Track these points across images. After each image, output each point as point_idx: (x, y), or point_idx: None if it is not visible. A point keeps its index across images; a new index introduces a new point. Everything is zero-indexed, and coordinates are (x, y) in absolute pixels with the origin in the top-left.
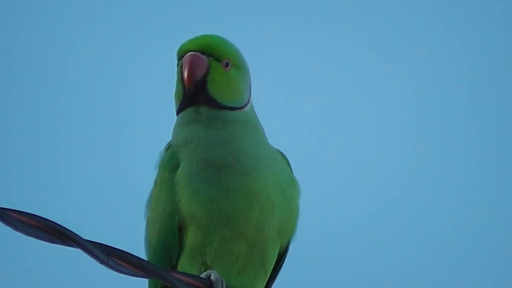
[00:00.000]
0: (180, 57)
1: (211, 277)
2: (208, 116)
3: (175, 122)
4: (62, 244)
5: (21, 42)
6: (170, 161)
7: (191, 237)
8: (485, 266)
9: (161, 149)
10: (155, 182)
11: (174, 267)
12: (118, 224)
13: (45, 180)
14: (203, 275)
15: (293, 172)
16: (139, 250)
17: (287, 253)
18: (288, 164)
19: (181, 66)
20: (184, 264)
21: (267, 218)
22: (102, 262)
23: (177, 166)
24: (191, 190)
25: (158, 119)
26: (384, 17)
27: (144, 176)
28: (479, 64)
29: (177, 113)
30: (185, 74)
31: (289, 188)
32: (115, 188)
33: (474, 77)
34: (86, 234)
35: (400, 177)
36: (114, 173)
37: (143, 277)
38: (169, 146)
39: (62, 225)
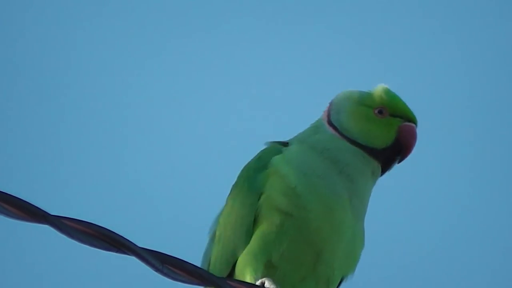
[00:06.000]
0: (401, 116)
1: (265, 285)
2: (374, 170)
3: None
4: (117, 252)
5: (37, 43)
6: (257, 162)
7: (263, 233)
8: None
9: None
10: (236, 183)
11: (234, 265)
12: (172, 232)
13: (99, 187)
14: (258, 283)
15: None
16: (194, 258)
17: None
18: None
19: (406, 135)
20: (247, 262)
21: (335, 239)
22: (157, 269)
23: (264, 166)
24: (281, 176)
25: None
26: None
27: (198, 183)
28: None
29: (344, 136)
30: (410, 150)
31: (359, 237)
32: (169, 196)
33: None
34: (141, 241)
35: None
36: (167, 181)
37: (198, 284)
38: (266, 149)
39: (117, 232)
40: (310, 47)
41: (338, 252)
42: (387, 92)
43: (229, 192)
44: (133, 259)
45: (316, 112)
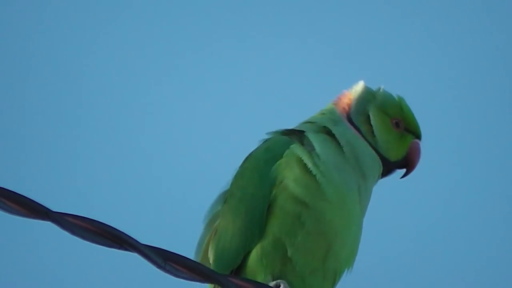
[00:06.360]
0: (413, 133)
1: (281, 287)
2: (377, 176)
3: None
4: (119, 248)
5: (48, 48)
6: (266, 153)
7: (279, 225)
8: None
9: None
10: (241, 173)
11: (247, 255)
12: (174, 228)
13: (101, 184)
14: (272, 284)
15: None
16: None
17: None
18: None
19: (414, 154)
20: (263, 254)
21: (345, 232)
22: (159, 266)
23: (274, 158)
24: (301, 165)
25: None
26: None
27: (200, 180)
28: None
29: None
30: (415, 167)
31: (360, 232)
32: (171, 193)
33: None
34: (143, 238)
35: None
36: (170, 177)
37: (200, 281)
38: (271, 139)
39: (120, 229)
40: (306, 47)
41: (346, 246)
42: (405, 105)
43: (232, 182)
44: (135, 256)
45: (310, 110)
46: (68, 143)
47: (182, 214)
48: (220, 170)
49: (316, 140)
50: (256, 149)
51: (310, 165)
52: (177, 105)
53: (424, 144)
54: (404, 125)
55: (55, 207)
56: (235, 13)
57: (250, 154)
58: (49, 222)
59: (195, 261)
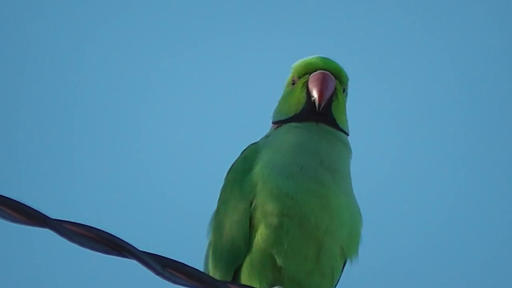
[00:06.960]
0: (307, 72)
1: None
2: (325, 131)
3: (275, 129)
4: (117, 255)
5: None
6: (244, 164)
7: (263, 237)
8: None
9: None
10: (224, 186)
11: (239, 269)
12: (173, 235)
13: (99, 190)
14: None
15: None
16: (195, 261)
17: (342, 271)
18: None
19: (311, 81)
20: (253, 266)
21: (336, 227)
22: (157, 273)
23: (250, 168)
24: (270, 185)
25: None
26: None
27: (199, 186)
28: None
29: (281, 122)
30: (319, 91)
31: (356, 215)
32: (170, 199)
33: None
34: (141, 245)
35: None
36: (168, 183)
37: None
38: (248, 147)
39: (118, 236)
40: (302, 47)
41: (340, 238)
42: (300, 62)
43: (218, 196)
44: (133, 263)
45: None
46: (65, 149)
47: (181, 221)
48: (220, 176)
49: (271, 156)
50: (236, 159)
51: (280, 185)
52: (179, 111)
53: (428, 144)
54: (297, 76)
55: (53, 214)
56: (231, 13)
57: (231, 165)
58: (47, 229)
59: (194, 268)
